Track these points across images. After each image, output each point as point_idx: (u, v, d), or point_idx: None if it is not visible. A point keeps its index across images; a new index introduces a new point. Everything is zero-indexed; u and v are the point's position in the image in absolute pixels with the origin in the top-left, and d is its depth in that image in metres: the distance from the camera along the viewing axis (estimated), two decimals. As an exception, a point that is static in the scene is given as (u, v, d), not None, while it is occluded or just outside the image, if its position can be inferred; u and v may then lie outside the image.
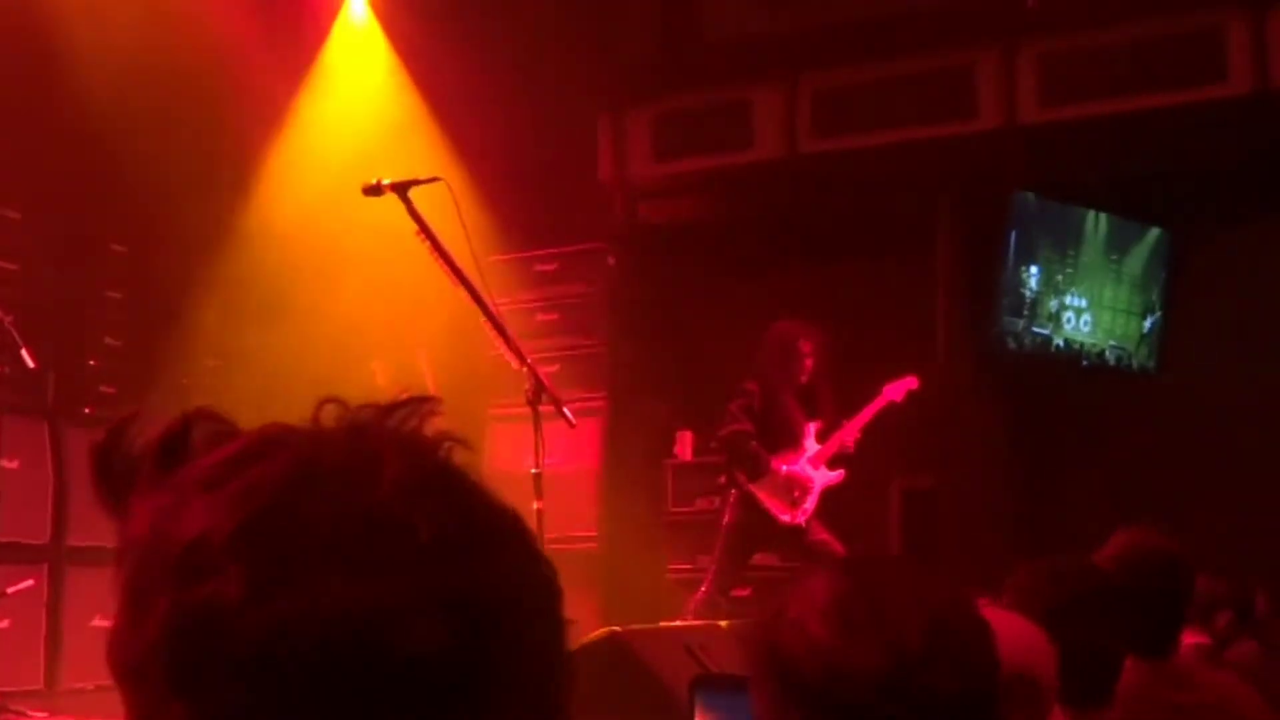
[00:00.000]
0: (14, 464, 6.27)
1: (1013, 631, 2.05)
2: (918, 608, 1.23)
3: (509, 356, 4.74)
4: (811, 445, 6.59)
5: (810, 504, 6.54)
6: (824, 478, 6.58)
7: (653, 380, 8.06)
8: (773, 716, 1.23)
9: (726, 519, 6.68)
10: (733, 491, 6.70)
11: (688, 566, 7.51)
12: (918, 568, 1.31)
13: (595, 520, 7.63)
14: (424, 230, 4.59)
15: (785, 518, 6.49)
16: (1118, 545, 2.90)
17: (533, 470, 4.65)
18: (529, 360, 4.71)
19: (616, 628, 3.84)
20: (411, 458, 0.73)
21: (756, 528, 6.56)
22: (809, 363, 6.52)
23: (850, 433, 6.56)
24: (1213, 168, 6.97)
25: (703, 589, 6.54)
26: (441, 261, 4.60)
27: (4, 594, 5.70)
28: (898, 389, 6.61)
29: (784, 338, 6.57)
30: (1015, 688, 2.01)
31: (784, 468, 6.51)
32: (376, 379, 7.85)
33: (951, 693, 1.19)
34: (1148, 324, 7.53)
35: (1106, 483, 7.15)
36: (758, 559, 6.89)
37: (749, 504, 6.57)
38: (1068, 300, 7.30)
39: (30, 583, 6.17)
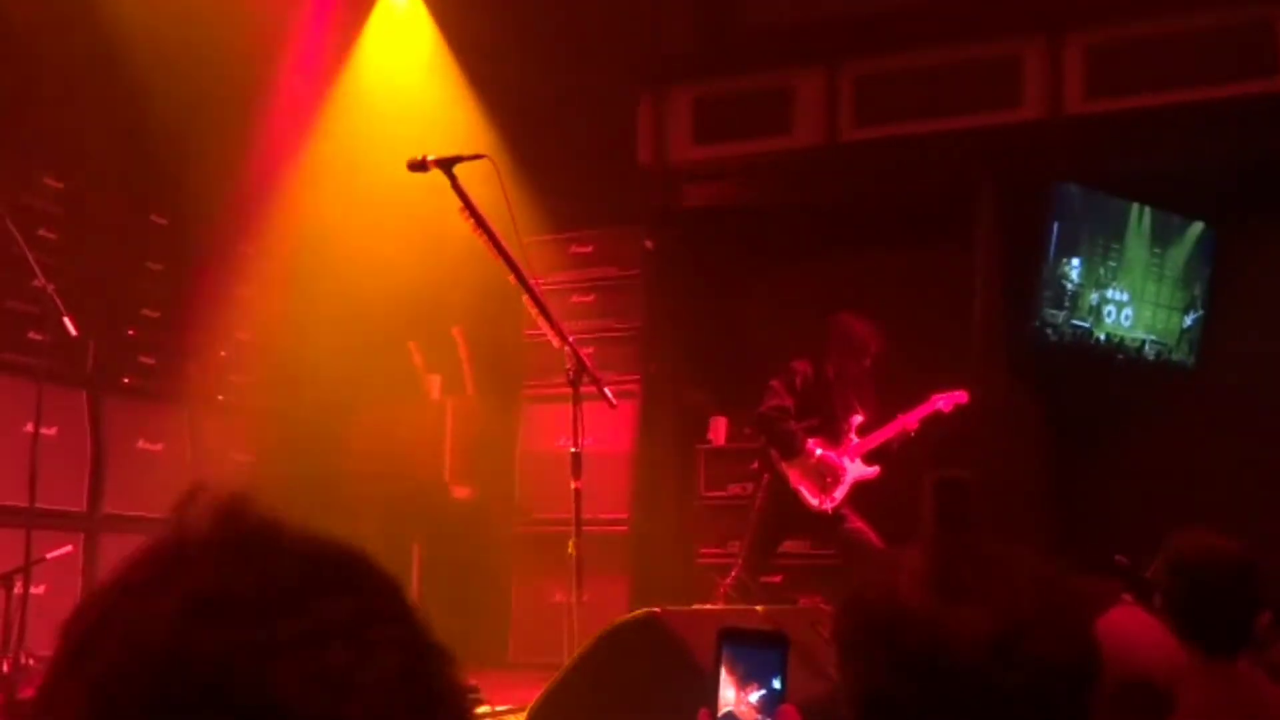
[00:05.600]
0: (52, 431, 6.31)
1: (1154, 636, 2.00)
2: (1025, 575, 1.22)
3: (550, 336, 4.71)
4: (853, 438, 6.60)
5: (840, 493, 6.53)
6: (858, 470, 6.58)
7: (687, 365, 8.05)
8: (877, 688, 1.22)
9: (758, 503, 6.68)
10: (765, 476, 6.69)
11: (718, 551, 7.50)
12: (1009, 542, 1.29)
13: (627, 503, 7.63)
14: (468, 207, 4.58)
15: (814, 501, 6.49)
16: (1180, 547, 2.78)
17: (571, 450, 4.65)
18: (570, 340, 4.69)
19: (655, 609, 3.83)
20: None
21: (787, 511, 6.55)
22: (869, 363, 6.55)
23: (893, 432, 6.56)
24: (1259, 163, 6.88)
25: (733, 573, 6.55)
26: (485, 238, 4.58)
27: (43, 559, 5.73)
28: (947, 401, 6.62)
29: (856, 334, 6.56)
30: (1135, 693, 1.96)
31: (819, 451, 6.51)
32: (413, 358, 7.88)
33: (1060, 660, 1.18)
34: (1189, 320, 7.46)
35: (1142, 477, 7.10)
36: (788, 546, 6.89)
37: (780, 487, 6.56)
38: (1109, 294, 7.24)
39: (69, 548, 6.21)
